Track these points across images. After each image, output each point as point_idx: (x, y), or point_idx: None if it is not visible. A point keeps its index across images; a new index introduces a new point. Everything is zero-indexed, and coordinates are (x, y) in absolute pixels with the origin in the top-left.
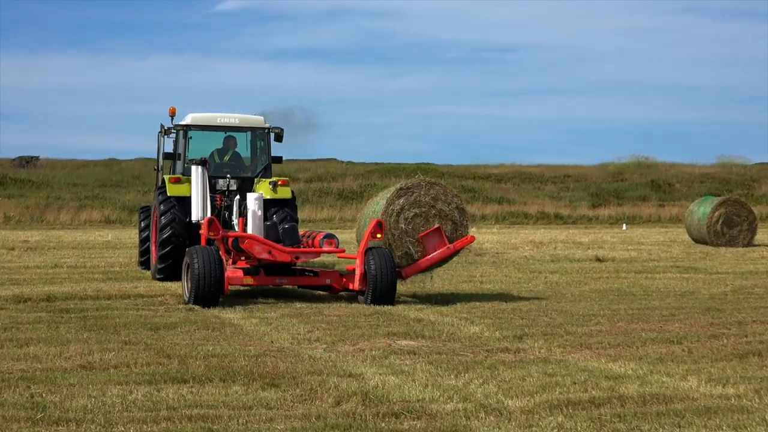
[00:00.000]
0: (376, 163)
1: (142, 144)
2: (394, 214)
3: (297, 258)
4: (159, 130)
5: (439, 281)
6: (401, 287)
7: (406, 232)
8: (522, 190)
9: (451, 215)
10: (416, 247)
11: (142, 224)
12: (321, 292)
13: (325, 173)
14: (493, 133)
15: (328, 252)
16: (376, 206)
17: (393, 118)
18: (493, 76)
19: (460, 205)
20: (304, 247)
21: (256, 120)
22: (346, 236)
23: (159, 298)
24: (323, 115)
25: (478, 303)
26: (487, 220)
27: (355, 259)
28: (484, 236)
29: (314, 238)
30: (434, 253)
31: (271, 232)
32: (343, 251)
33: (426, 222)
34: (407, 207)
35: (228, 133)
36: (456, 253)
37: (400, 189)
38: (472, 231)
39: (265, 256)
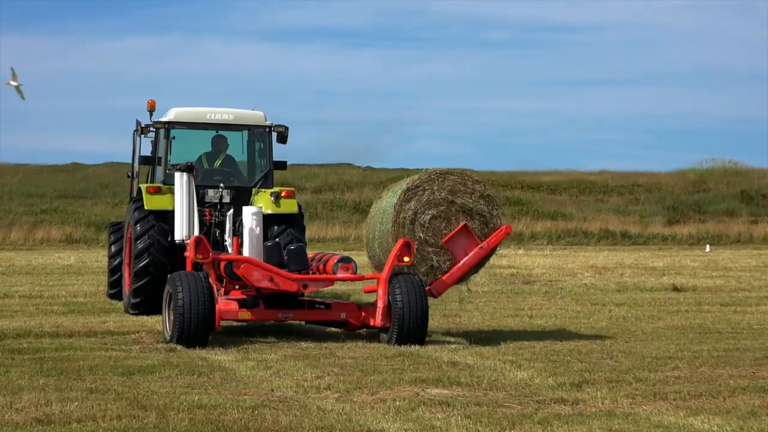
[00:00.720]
0: (401, 169)
1: (113, 145)
2: (407, 222)
3: (305, 287)
4: (134, 128)
5: (479, 315)
6: (432, 322)
7: (426, 241)
8: (581, 202)
9: (476, 208)
10: (442, 257)
11: (113, 247)
12: (334, 329)
13: (338, 182)
14: (544, 132)
15: (344, 279)
16: (383, 216)
17: (421, 113)
18: (544, 62)
19: (485, 193)
20: (313, 274)
21: (254, 116)
22: (364, 259)
23: (133, 336)
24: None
25: (526, 342)
26: (538, 240)
27: (377, 287)
28: (534, 260)
29: (326, 262)
30: (466, 258)
31: (273, 254)
32: (362, 278)
33: (448, 223)
34: (421, 210)
35: (219, 132)
36: (492, 251)
37: (408, 190)
38: (519, 253)
39: (265, 284)
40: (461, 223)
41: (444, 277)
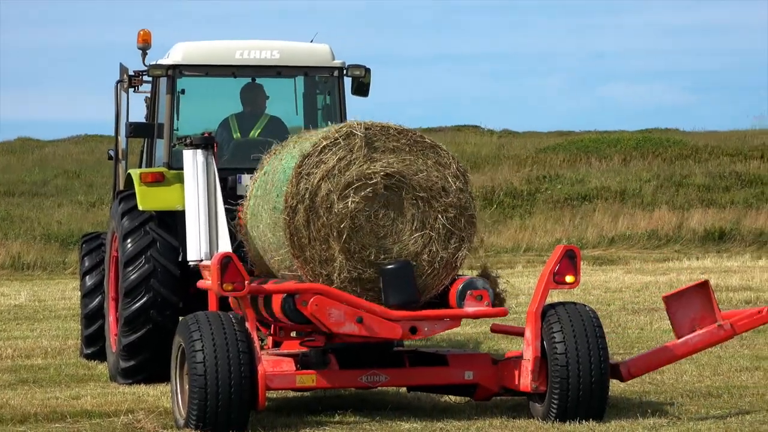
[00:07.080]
0: (560, 132)
1: (83, 108)
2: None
3: (414, 330)
4: (119, 77)
5: (693, 369)
6: (617, 383)
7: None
8: None
9: (441, 186)
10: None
11: (88, 278)
12: (454, 398)
13: (458, 154)
14: None
15: (478, 316)
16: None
17: (598, 36)
18: None
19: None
20: (425, 308)
21: (315, 52)
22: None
23: (124, 419)
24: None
25: None
26: None
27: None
28: None
29: (445, 288)
30: (693, 336)
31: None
32: (504, 313)
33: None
34: (338, 195)
35: (257, 81)
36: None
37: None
38: (759, 266)
39: (350, 328)
40: (700, 280)
41: (647, 354)
